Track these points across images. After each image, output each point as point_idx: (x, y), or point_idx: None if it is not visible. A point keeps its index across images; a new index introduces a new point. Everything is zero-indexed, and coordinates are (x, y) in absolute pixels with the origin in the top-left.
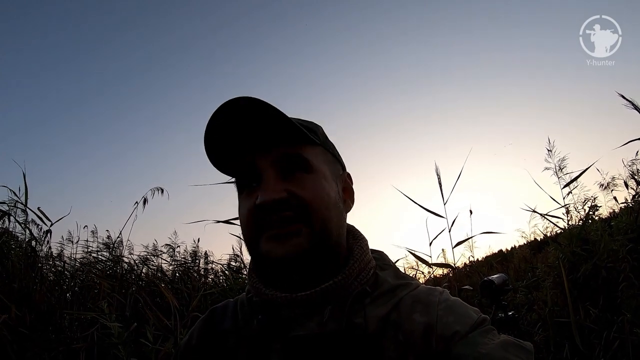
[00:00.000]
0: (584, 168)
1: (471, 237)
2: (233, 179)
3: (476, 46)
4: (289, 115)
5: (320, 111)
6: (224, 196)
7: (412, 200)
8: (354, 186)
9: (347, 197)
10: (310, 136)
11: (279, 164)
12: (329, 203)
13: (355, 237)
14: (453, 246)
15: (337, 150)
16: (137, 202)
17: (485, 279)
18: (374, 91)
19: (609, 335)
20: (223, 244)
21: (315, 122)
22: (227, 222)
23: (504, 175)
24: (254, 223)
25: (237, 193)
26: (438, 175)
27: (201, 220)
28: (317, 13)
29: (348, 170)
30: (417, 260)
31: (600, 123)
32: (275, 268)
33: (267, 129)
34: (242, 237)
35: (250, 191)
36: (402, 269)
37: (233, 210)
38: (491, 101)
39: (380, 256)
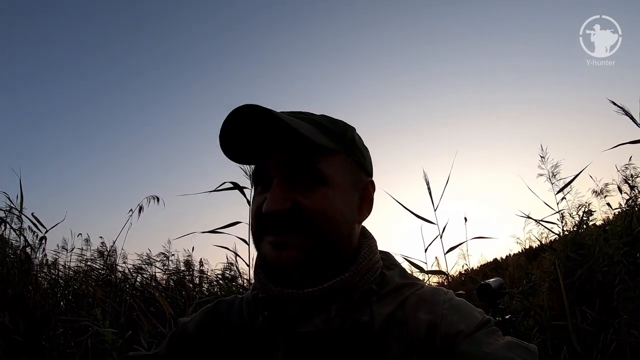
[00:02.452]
0: (577, 173)
1: (463, 243)
2: (218, 189)
3: (474, 46)
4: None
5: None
6: (218, 203)
7: (402, 206)
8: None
9: (364, 205)
10: (326, 144)
11: (289, 170)
12: (337, 219)
13: (365, 236)
14: (445, 252)
15: (365, 156)
16: (131, 210)
17: (482, 282)
18: (368, 95)
19: (606, 338)
20: (219, 251)
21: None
22: (213, 231)
23: (499, 181)
24: (257, 224)
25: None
26: (427, 181)
27: (189, 233)
28: (302, 25)
29: None
30: (413, 267)
31: (597, 126)
32: (272, 272)
33: (278, 135)
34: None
35: (263, 188)
36: None
37: (222, 219)
38: (489, 102)
39: (386, 256)
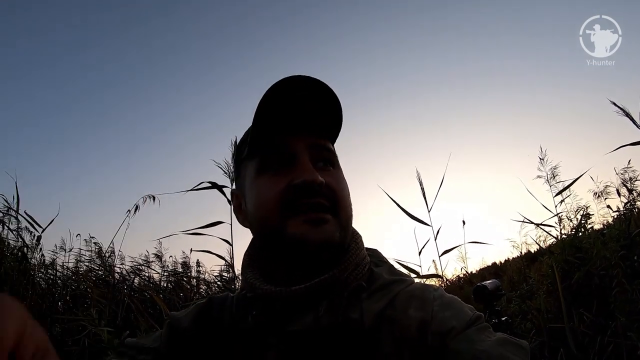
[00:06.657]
0: (577, 176)
1: (459, 246)
2: (195, 188)
3: (472, 47)
4: None
5: None
6: (203, 205)
7: (397, 205)
8: None
9: None
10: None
11: (312, 151)
12: (349, 201)
13: (351, 233)
14: (439, 255)
15: None
16: (129, 210)
17: (479, 284)
18: (364, 94)
19: (603, 340)
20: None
21: None
22: (195, 234)
23: (497, 183)
24: (283, 204)
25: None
26: (420, 181)
27: (171, 234)
28: (299, 23)
29: None
30: (409, 272)
31: (596, 127)
32: (305, 252)
33: (318, 114)
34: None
35: (278, 171)
36: None
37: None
38: (488, 102)
39: (374, 253)
